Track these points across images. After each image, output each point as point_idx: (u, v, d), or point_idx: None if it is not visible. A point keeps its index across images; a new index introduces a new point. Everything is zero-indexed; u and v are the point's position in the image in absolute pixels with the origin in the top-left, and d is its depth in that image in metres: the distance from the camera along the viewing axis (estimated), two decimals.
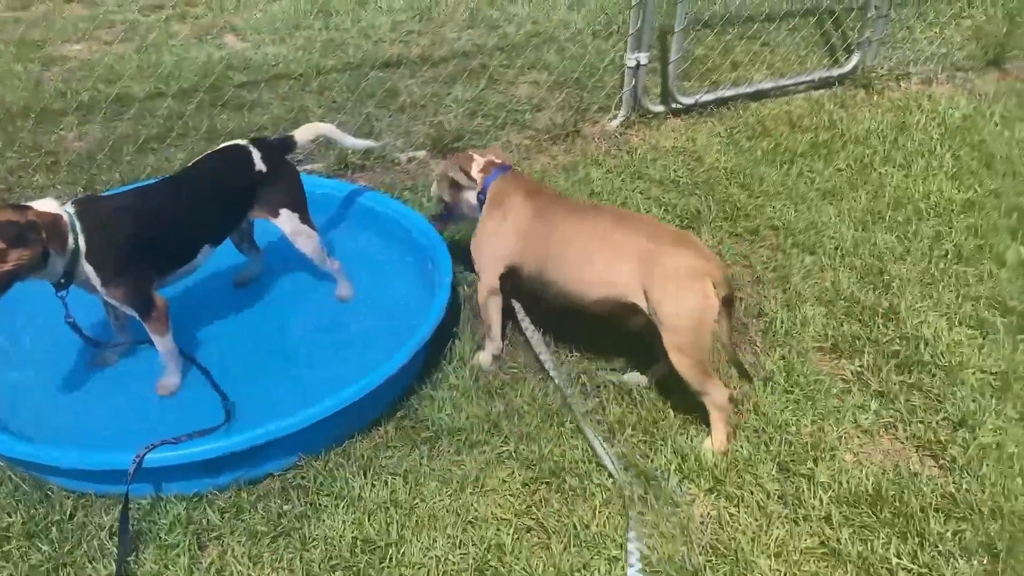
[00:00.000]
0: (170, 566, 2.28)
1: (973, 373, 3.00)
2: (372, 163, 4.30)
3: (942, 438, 2.76)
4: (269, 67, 5.36)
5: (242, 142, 3.01)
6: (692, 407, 2.82)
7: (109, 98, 4.77)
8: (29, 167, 4.16)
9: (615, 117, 4.77)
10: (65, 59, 5.48)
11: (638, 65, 4.60)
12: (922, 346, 3.11)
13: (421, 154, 4.41)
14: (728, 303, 2.59)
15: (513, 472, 2.60)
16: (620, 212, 3.13)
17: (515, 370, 3.01)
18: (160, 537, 2.36)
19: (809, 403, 2.89)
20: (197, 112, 4.74)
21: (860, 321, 3.26)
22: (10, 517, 2.40)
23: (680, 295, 2.56)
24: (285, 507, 2.46)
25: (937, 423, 2.81)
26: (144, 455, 2.32)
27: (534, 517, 2.47)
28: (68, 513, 2.42)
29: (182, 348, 2.90)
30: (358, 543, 2.35)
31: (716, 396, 2.65)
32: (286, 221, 3.04)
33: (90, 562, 2.29)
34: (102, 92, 4.96)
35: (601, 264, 2.70)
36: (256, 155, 2.97)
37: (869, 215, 3.89)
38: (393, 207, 3.55)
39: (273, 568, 2.30)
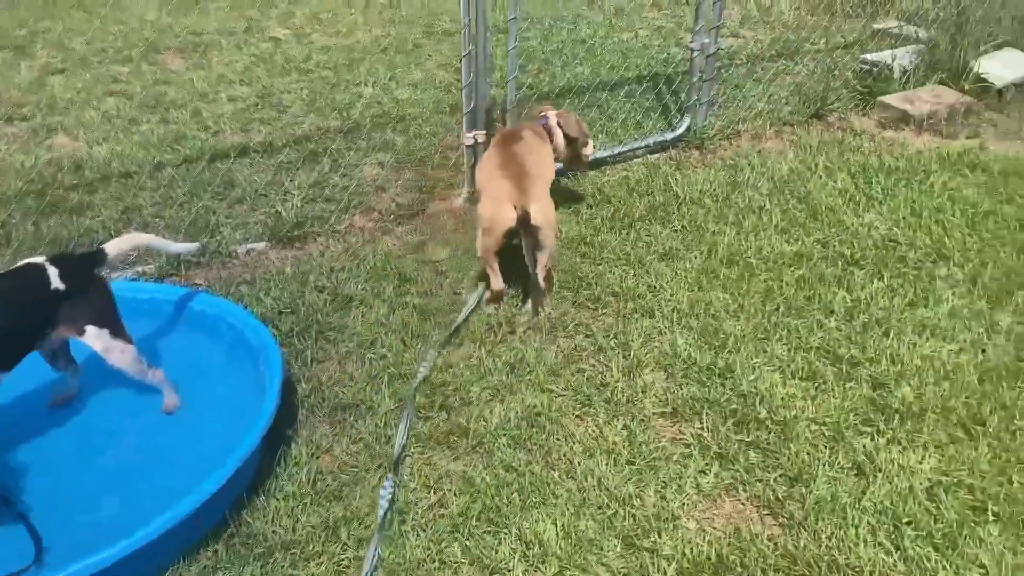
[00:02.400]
0: None
1: (807, 426, 3.08)
2: (208, 260, 4.16)
3: (780, 495, 2.80)
4: (102, 166, 5.16)
5: (38, 259, 2.85)
6: (536, 489, 2.79)
7: None
8: None
9: (460, 194, 4.79)
10: None
11: (476, 142, 4.64)
12: (758, 403, 3.18)
13: (260, 246, 4.30)
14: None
15: None
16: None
17: (356, 469, 2.91)
18: None
19: (652, 472, 2.90)
20: (22, 220, 4.51)
21: (698, 382, 3.31)
22: None
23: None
24: None
25: (775, 480, 2.86)
26: None
27: None
28: None
29: None
30: None
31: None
32: (94, 338, 2.87)
33: None
34: None
35: None
36: (53, 272, 2.81)
37: (704, 275, 3.99)
38: (222, 307, 3.42)
39: None
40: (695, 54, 5.23)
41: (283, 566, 2.54)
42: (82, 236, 4.37)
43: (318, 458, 2.96)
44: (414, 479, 2.87)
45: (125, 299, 3.20)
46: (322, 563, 2.55)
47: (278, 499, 2.75)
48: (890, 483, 2.83)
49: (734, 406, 3.17)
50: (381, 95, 6.36)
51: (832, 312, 3.72)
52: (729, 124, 5.69)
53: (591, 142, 4.52)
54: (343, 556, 2.58)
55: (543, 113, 4.37)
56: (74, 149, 5.48)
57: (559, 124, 4.31)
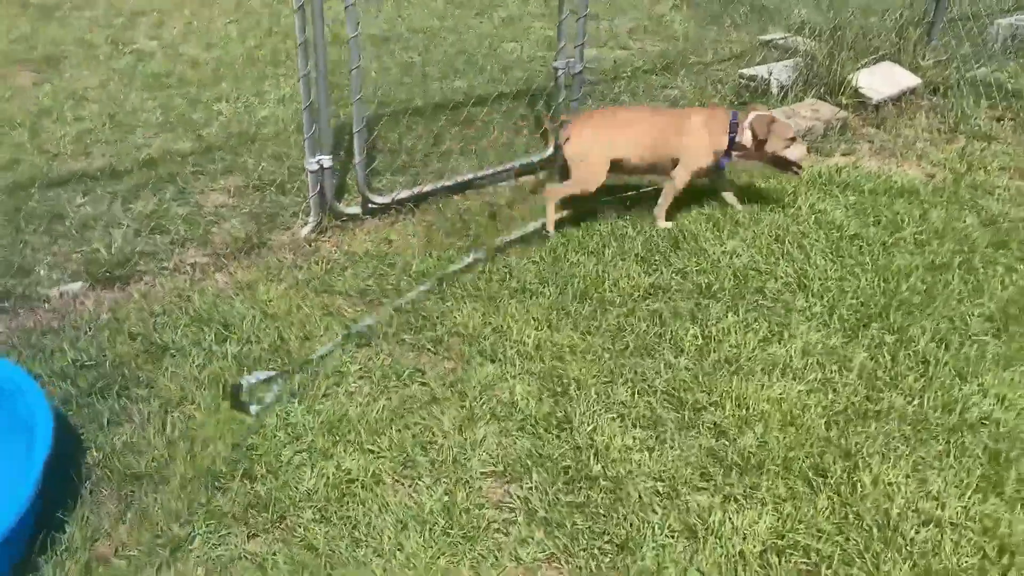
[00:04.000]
0: None
1: (642, 482, 2.87)
2: (13, 304, 3.77)
3: (604, 566, 2.59)
4: None
5: None
6: (334, 571, 2.52)
7: None
8: None
9: (305, 224, 4.48)
10: None
11: (321, 168, 4.34)
12: (592, 457, 2.97)
13: (75, 287, 3.92)
14: None
15: None
16: None
17: (134, 556, 2.58)
18: None
19: (468, 543, 2.66)
20: None
21: (533, 435, 3.08)
22: None
23: None
24: None
25: (599, 549, 2.65)
26: None
27: None
28: None
29: None
30: None
31: None
32: None
33: None
34: None
35: None
36: None
37: (555, 312, 3.77)
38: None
39: None
40: (559, 73, 5.02)
41: None
42: None
43: (95, 542, 2.64)
44: (200, 565, 2.56)
45: None
46: None
47: None
48: (721, 547, 2.64)
49: (567, 462, 2.95)
50: (242, 112, 6.00)
51: (683, 351, 3.54)
52: None
53: (799, 145, 4.50)
54: None
55: (744, 111, 4.54)
56: None
57: (751, 125, 4.41)
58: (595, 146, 4.38)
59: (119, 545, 2.63)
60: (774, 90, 6.09)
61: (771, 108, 5.96)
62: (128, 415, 3.16)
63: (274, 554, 2.60)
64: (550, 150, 5.15)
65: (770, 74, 6.10)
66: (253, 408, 3.16)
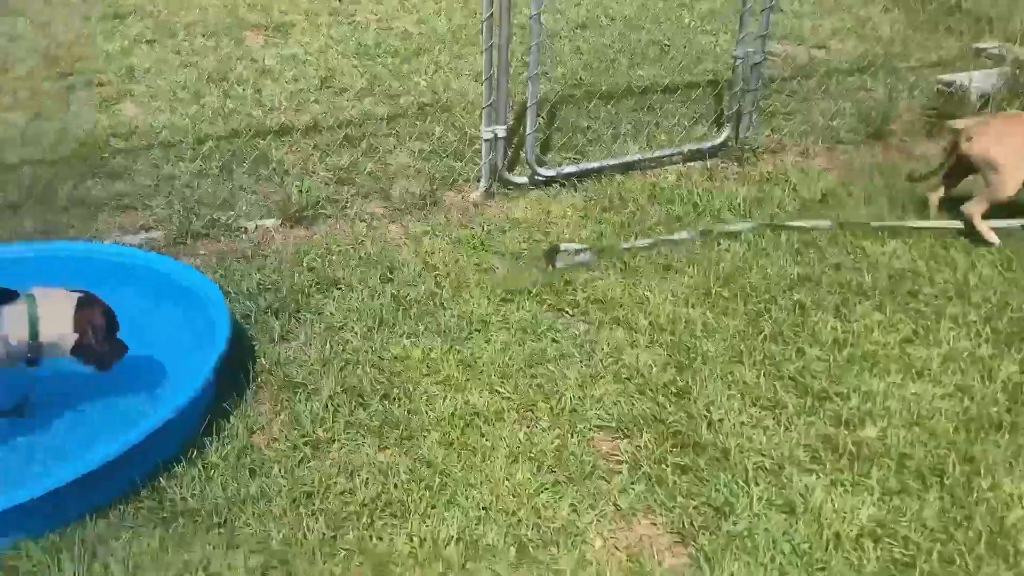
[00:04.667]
0: None
1: (750, 456, 2.95)
2: (216, 232, 4.32)
3: (697, 524, 2.70)
4: (154, 134, 5.42)
5: None
6: (448, 488, 2.79)
7: None
8: None
9: (476, 188, 4.79)
10: None
11: (495, 138, 4.63)
12: (705, 427, 3.07)
13: (269, 223, 4.43)
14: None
15: (243, 558, 2.55)
16: None
17: (282, 450, 2.97)
18: None
19: (571, 485, 2.85)
20: (64, 179, 4.79)
21: (652, 399, 3.22)
22: None
23: None
24: None
25: (696, 508, 2.76)
26: None
27: None
28: None
29: None
30: None
31: None
32: None
33: None
34: None
35: None
36: None
37: (696, 292, 3.87)
38: (191, 277, 3.53)
39: None
40: (738, 63, 5.05)
41: (183, 533, 2.62)
42: (112, 200, 4.61)
43: (252, 434, 3.04)
44: (334, 466, 2.90)
45: (108, 262, 3.41)
46: (221, 534, 2.62)
47: (197, 468, 2.84)
48: (817, 526, 2.68)
49: (679, 427, 3.07)
50: (437, 84, 6.41)
51: (819, 342, 3.54)
52: (778, 138, 5.47)
53: None
54: (243, 530, 2.64)
55: None
56: (135, 116, 5.77)
57: None
58: (1011, 152, 4.23)
59: (271, 439, 3.02)
60: (973, 98, 5.80)
61: (968, 116, 5.69)
62: (295, 334, 3.57)
63: (398, 465, 2.90)
64: (722, 137, 5.20)
65: (970, 81, 5.81)
66: (558, 263, 4.00)
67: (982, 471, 2.88)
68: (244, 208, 4.56)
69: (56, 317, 2.84)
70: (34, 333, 2.80)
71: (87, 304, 2.92)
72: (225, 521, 2.66)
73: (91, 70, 6.60)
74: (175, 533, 2.61)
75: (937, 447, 2.98)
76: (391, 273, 4.01)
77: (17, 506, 2.43)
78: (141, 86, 6.31)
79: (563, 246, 4.13)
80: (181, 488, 2.76)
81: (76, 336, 2.87)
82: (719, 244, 4.25)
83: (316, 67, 6.76)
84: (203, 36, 7.51)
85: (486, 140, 4.64)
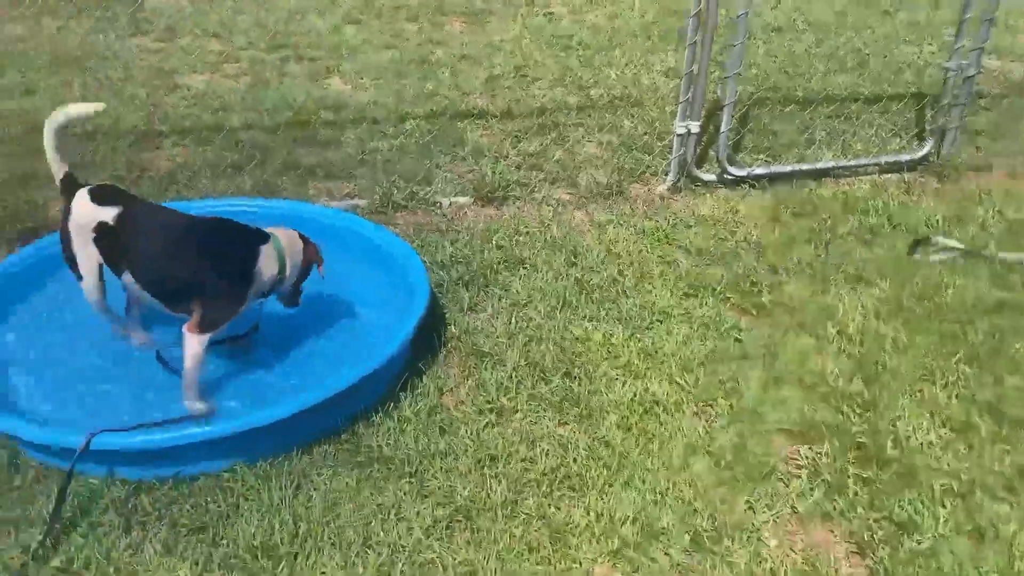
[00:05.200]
0: (93, 542, 2.53)
1: (937, 477, 2.86)
2: (414, 205, 4.55)
3: (878, 538, 2.66)
4: (359, 110, 5.75)
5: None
6: (625, 469, 2.86)
7: (206, 125, 5.31)
8: (118, 179, 4.66)
9: (663, 182, 4.82)
10: (187, 87, 6.08)
11: (688, 133, 4.65)
12: (890, 442, 3.00)
13: (462, 200, 4.62)
14: None
15: (430, 507, 2.71)
16: None
17: (469, 412, 3.12)
18: (94, 515, 2.63)
19: (749, 482, 2.86)
20: (279, 145, 5.17)
21: (836, 409, 3.17)
22: None
23: None
24: (211, 505, 2.68)
25: (877, 522, 2.71)
26: (89, 441, 2.59)
27: (433, 552, 2.57)
28: (28, 482, 2.73)
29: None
30: (261, 548, 2.53)
31: None
32: None
33: (30, 527, 2.58)
34: (202, 120, 5.48)
35: None
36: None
37: (887, 305, 3.76)
38: (393, 242, 3.76)
39: (181, 559, 2.51)
40: (950, 75, 4.84)
41: (376, 478, 2.81)
42: (321, 167, 4.93)
43: (442, 394, 3.21)
44: (517, 434, 3.02)
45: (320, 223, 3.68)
46: (412, 483, 2.79)
47: (392, 419, 3.03)
48: (1009, 557, 2.58)
49: (863, 439, 3.02)
50: (627, 78, 6.47)
51: (1018, 370, 3.38)
52: (985, 156, 5.21)
53: None
54: (431, 482, 2.80)
55: None
56: (342, 91, 6.13)
57: None
58: None
59: (458, 401, 3.18)
60: None
61: None
62: (482, 306, 3.73)
63: (577, 441, 2.99)
64: (923, 151, 5.00)
65: None
66: (920, 254, 4.10)
67: None
68: (440, 184, 4.77)
69: (292, 254, 3.15)
70: (282, 268, 3.11)
71: (308, 242, 3.24)
72: (415, 472, 2.83)
73: (304, 45, 7.05)
74: (370, 477, 2.81)
75: None
76: (575, 257, 4.11)
77: (241, 432, 2.68)
78: (348, 63, 6.69)
79: (934, 238, 4.15)
80: (377, 436, 2.96)
81: (300, 270, 3.20)
82: (912, 260, 4.11)
83: (511, 55, 6.96)
84: (407, 20, 7.87)
85: (679, 135, 4.67)
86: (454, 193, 4.71)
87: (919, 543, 2.62)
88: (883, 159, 5.03)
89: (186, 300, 2.97)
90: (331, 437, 2.94)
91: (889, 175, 5.04)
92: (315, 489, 2.75)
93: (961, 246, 4.11)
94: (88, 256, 3.01)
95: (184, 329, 2.93)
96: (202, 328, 2.92)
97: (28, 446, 2.78)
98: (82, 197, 2.99)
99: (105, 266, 3.04)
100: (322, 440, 2.93)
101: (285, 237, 3.16)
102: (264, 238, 3.09)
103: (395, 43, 7.22)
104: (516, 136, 5.44)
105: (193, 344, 2.92)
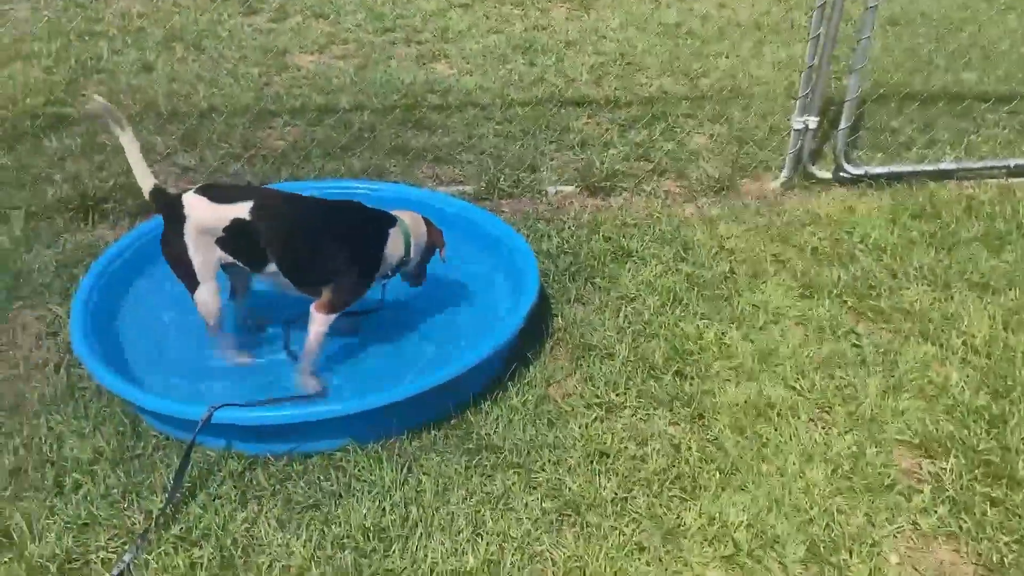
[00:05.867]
0: (211, 513, 2.59)
1: None
2: (520, 192, 4.53)
3: (1008, 561, 2.53)
4: (466, 95, 5.76)
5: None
6: (739, 473, 2.79)
7: (316, 105, 5.39)
8: (232, 158, 4.77)
9: (776, 178, 4.69)
10: (297, 67, 6.18)
11: (806, 129, 4.50)
12: (1021, 461, 2.85)
13: (568, 189, 4.58)
14: None
15: (538, 499, 2.69)
16: None
17: (577, 405, 3.08)
18: (212, 487, 2.69)
19: (868, 494, 2.75)
20: (387, 127, 5.21)
21: (960, 423, 3.03)
22: (107, 445, 2.82)
23: None
24: (324, 484, 2.71)
25: (1007, 544, 2.58)
26: (211, 414, 2.65)
27: (542, 544, 2.55)
28: (149, 450, 2.82)
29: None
30: (372, 530, 2.55)
31: None
32: None
33: (152, 494, 2.65)
34: (313, 100, 5.56)
35: None
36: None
37: (1016, 315, 3.58)
38: (505, 231, 3.74)
39: (295, 535, 2.54)
40: None
41: (485, 466, 2.80)
42: (428, 151, 4.95)
43: (549, 385, 3.18)
44: (627, 430, 2.98)
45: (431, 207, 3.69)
46: (520, 473, 2.78)
47: (501, 408, 3.02)
48: None
49: (991, 456, 2.87)
50: (738, 69, 6.31)
51: None
52: None
53: None
54: (538, 475, 2.78)
55: None
56: (448, 75, 6.15)
57: None
58: None
59: (566, 394, 3.15)
60: None
61: None
62: (590, 299, 3.69)
63: (688, 441, 2.93)
64: None
65: None
66: None
67: None
68: (546, 172, 4.73)
69: (416, 236, 3.18)
70: (407, 250, 3.15)
71: (432, 225, 3.26)
72: (523, 463, 2.81)
73: (411, 27, 7.09)
74: (479, 464, 2.80)
75: None
76: (685, 252, 4.03)
77: (356, 413, 2.70)
78: (454, 47, 6.69)
79: None
80: (486, 424, 2.95)
81: (424, 251, 3.24)
82: None
83: (616, 42, 6.87)
84: (511, 4, 7.84)
85: (796, 130, 4.53)
86: (560, 182, 4.67)
87: None
88: (1011, 162, 4.78)
89: (321, 282, 3.02)
90: (441, 423, 2.95)
91: (1018, 179, 4.78)
92: (425, 474, 2.76)
93: None
94: (207, 261, 2.97)
95: (313, 309, 3.00)
96: (331, 308, 2.99)
97: (151, 416, 2.86)
98: (198, 201, 2.94)
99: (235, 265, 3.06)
100: (431, 425, 2.94)
101: (411, 220, 3.19)
102: (392, 221, 3.13)
103: (500, 28, 7.19)
104: (623, 125, 5.36)
105: (320, 322, 2.99)
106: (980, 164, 4.79)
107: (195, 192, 2.98)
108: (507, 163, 4.75)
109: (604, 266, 3.91)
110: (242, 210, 2.93)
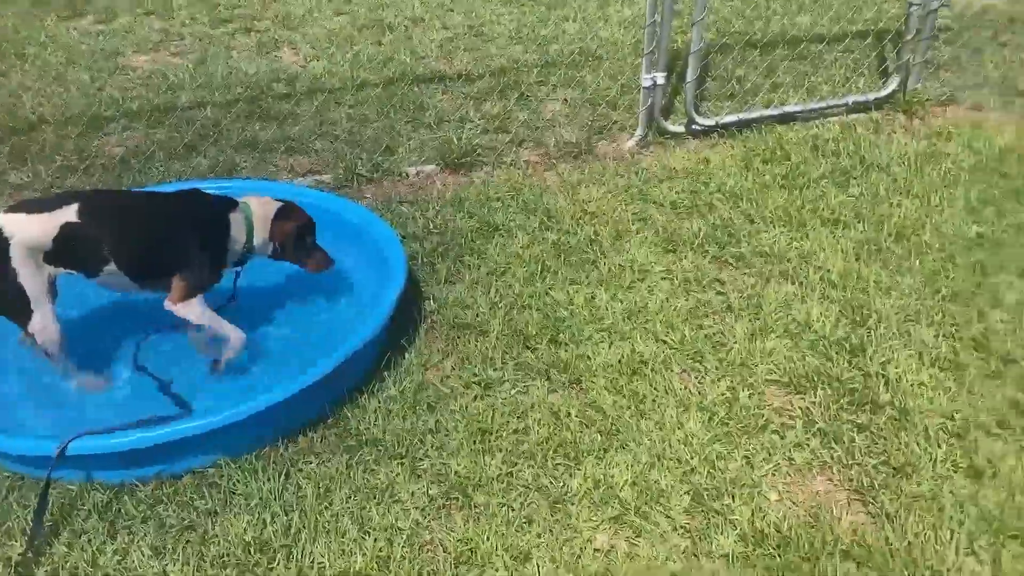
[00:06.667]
0: (78, 551, 2.43)
1: (931, 417, 2.85)
2: (380, 176, 4.43)
3: (877, 483, 2.64)
4: (314, 80, 5.58)
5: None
6: (620, 433, 2.81)
7: (154, 106, 5.12)
8: (68, 170, 4.48)
9: (632, 137, 4.74)
10: (131, 69, 5.85)
11: (654, 85, 4.56)
12: (882, 386, 2.98)
13: (429, 168, 4.51)
14: None
15: (424, 486, 2.65)
16: None
17: (456, 386, 3.05)
18: (77, 522, 2.53)
19: (745, 436, 2.82)
20: (233, 122, 5.00)
21: (824, 356, 3.14)
22: None
23: None
24: (198, 503, 2.58)
25: (875, 467, 2.69)
26: (65, 447, 2.48)
27: (432, 532, 2.51)
28: (2, 493, 2.62)
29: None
30: (253, 543, 2.45)
31: None
32: None
33: (10, 539, 2.47)
34: (150, 101, 5.28)
35: None
36: None
37: (866, 246, 3.74)
38: (366, 217, 3.64)
39: (171, 560, 2.42)
40: (912, 9, 4.79)
41: (367, 460, 2.73)
42: (279, 142, 4.78)
43: (426, 370, 3.13)
44: (507, 405, 2.96)
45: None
46: (403, 463, 2.72)
47: (378, 400, 2.95)
48: (1008, 492, 2.58)
49: (855, 385, 2.99)
50: (585, 32, 6.35)
51: (1003, 305, 3.37)
52: (949, 90, 5.18)
53: None
54: (422, 463, 2.73)
55: None
56: (293, 62, 5.95)
57: None
58: None
59: (444, 376, 3.11)
60: None
61: None
62: (460, 277, 3.64)
63: (568, 408, 2.93)
64: (889, 88, 4.97)
65: None
66: None
67: None
68: (404, 153, 4.65)
69: (261, 225, 3.07)
70: (250, 237, 3.03)
71: (283, 215, 3.13)
72: (407, 452, 2.76)
73: (248, 16, 6.82)
74: (361, 460, 2.73)
75: None
76: (549, 220, 4.03)
77: (218, 428, 2.58)
78: (297, 33, 6.48)
79: None
80: (365, 419, 2.87)
81: (292, 238, 3.13)
82: (890, 201, 4.08)
83: (464, 15, 6.79)
84: None
85: (645, 87, 4.58)
86: (420, 161, 4.59)
87: (919, 485, 2.61)
88: (850, 99, 4.99)
89: (165, 273, 2.90)
90: (317, 423, 2.86)
91: (857, 115, 5.00)
92: (305, 478, 2.67)
93: None
94: (39, 283, 2.76)
95: (168, 304, 2.90)
96: (185, 294, 2.90)
97: (1, 456, 2.66)
98: (17, 219, 2.72)
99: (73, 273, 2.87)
100: (308, 427, 2.84)
101: (257, 205, 3.08)
102: (232, 205, 3.04)
103: (343, 9, 7.01)
104: (477, 98, 5.31)
105: (186, 309, 2.91)
106: (822, 104, 4.97)
107: (7, 212, 2.75)
108: (364, 147, 4.64)
109: (472, 243, 3.87)
110: (69, 214, 2.75)
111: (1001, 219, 3.91)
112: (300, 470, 2.69)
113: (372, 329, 2.94)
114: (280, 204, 3.16)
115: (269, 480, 2.64)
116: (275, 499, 2.59)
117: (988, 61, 5.67)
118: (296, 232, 3.14)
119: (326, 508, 2.57)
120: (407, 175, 4.46)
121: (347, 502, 2.59)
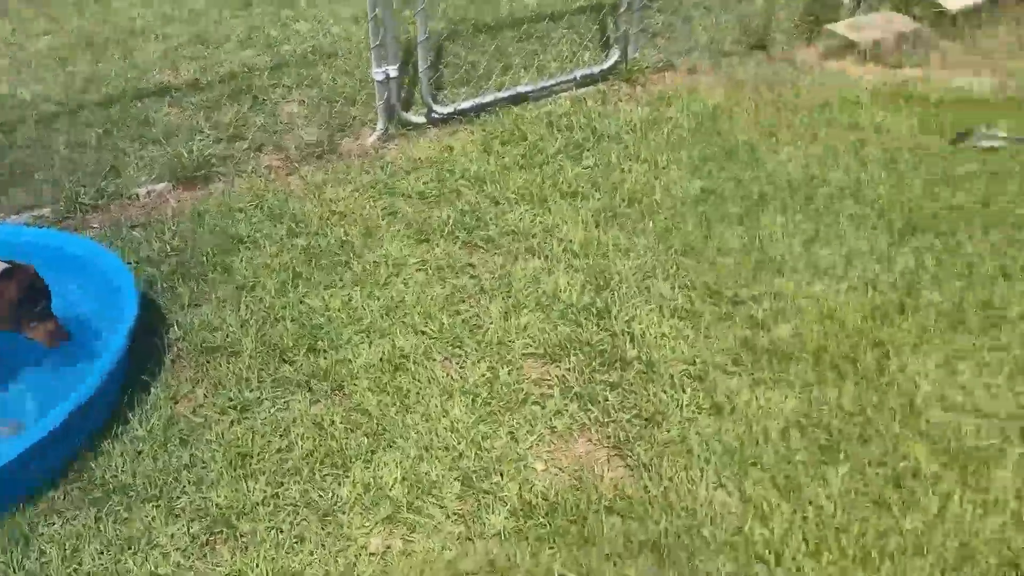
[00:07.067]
0: None
1: (674, 365, 3.04)
2: (106, 202, 4.12)
3: (631, 436, 2.78)
4: (25, 108, 5.10)
5: None
6: (386, 432, 2.79)
7: None
8: None
9: (373, 132, 4.70)
10: None
11: (387, 78, 4.54)
12: (627, 343, 3.14)
13: (160, 187, 4.25)
14: None
15: (183, 526, 2.50)
16: None
17: (209, 414, 2.90)
18: None
19: (508, 413, 2.89)
20: None
21: (574, 323, 3.27)
22: None
23: None
24: None
25: (629, 421, 2.84)
26: None
27: (196, 571, 2.37)
28: None
29: None
30: None
31: None
32: None
33: None
34: None
35: None
36: None
37: (603, 214, 3.92)
38: (90, 249, 3.38)
39: None
40: None
41: (118, 510, 2.55)
42: None
43: (176, 402, 2.96)
44: (267, 424, 2.85)
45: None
46: (159, 505, 2.56)
47: (124, 443, 2.76)
48: (746, 424, 2.80)
49: (604, 346, 3.14)
50: (317, 30, 6.22)
51: (727, 251, 3.65)
52: (665, 57, 5.54)
53: None
54: (181, 499, 2.58)
55: None
56: (2, 91, 5.41)
57: None
58: None
59: (197, 406, 2.95)
60: (846, 1, 5.98)
61: (843, 20, 5.89)
62: (206, 297, 3.47)
63: (332, 416, 2.87)
64: (612, 59, 5.23)
65: None
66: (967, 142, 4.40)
67: (891, 354, 3.05)
68: (132, 174, 4.35)
69: None
70: None
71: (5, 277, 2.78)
72: (161, 492, 2.60)
73: None
74: (110, 510, 2.54)
75: (848, 337, 3.13)
76: (297, 226, 3.92)
77: None
78: (4, 59, 5.90)
79: (977, 130, 4.42)
80: (111, 465, 2.67)
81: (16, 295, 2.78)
82: (621, 168, 4.30)
83: (187, 22, 6.46)
84: (66, 4, 7.05)
85: (378, 81, 4.54)
86: (150, 180, 4.31)
87: (668, 431, 2.78)
88: (577, 74, 5.20)
89: None
90: (57, 480, 2.62)
91: (586, 88, 5.22)
92: (48, 541, 2.45)
93: (1004, 135, 4.46)
94: None
95: None
96: None
97: None
98: None
99: None
100: (48, 486, 2.60)
101: None
102: None
103: (52, 28, 6.45)
104: (208, 107, 5.06)
105: None
106: (552, 81, 5.15)
107: None
108: (86, 173, 4.30)
109: (215, 259, 3.69)
110: None
111: (721, 173, 4.22)
112: (41, 534, 2.47)
113: (101, 372, 2.71)
114: (6, 265, 2.81)
115: (4, 552, 2.40)
116: (15, 571, 2.35)
117: (698, 25, 6.09)
118: (19, 299, 2.82)
119: (75, 570, 2.37)
120: (137, 196, 4.19)
121: (99, 558, 2.40)
